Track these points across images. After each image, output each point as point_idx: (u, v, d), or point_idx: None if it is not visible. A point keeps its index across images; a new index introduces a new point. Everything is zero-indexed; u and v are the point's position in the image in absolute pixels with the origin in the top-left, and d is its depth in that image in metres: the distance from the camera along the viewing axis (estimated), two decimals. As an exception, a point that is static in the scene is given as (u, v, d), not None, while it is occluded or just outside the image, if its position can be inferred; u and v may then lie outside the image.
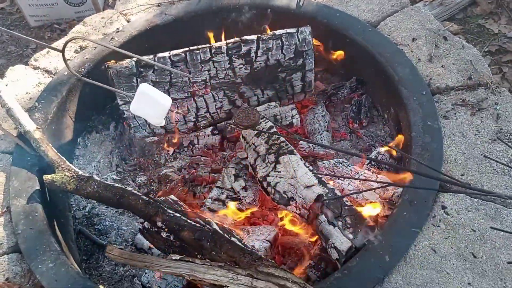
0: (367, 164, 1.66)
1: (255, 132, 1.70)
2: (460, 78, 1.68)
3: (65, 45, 1.37)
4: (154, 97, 1.32)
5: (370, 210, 1.40)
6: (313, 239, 1.50)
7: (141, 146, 1.92)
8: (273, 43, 1.82)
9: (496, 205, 1.33)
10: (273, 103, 1.91)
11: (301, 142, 1.79)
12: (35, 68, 1.98)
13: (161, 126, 1.88)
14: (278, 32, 1.83)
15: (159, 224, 1.30)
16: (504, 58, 2.35)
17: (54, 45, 2.07)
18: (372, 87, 1.94)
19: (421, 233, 1.30)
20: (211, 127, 1.92)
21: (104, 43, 1.32)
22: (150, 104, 1.33)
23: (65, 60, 1.39)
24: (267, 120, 1.75)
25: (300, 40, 1.83)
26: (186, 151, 1.89)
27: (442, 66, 1.73)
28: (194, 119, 1.91)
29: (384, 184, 1.47)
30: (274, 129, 1.71)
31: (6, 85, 1.88)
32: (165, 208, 1.32)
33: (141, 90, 1.32)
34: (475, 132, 1.52)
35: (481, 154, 1.45)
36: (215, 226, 1.29)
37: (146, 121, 1.86)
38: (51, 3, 2.81)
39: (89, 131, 1.97)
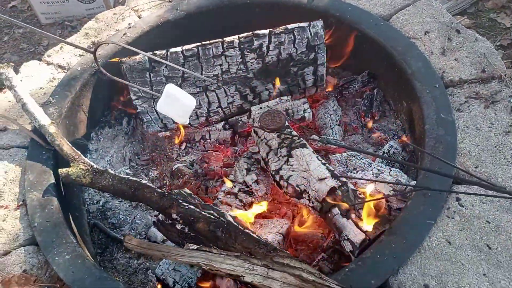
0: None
1: (267, 126, 1.70)
2: (474, 71, 1.67)
3: (96, 47, 1.39)
4: (180, 98, 1.37)
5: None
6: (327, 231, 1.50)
7: (154, 141, 1.93)
8: (285, 37, 1.82)
9: (511, 197, 1.33)
10: (284, 97, 1.91)
11: (313, 136, 1.79)
12: (48, 63, 2.00)
13: (173, 121, 1.90)
14: (290, 26, 1.84)
15: (174, 216, 1.31)
16: (517, 52, 2.33)
17: (68, 39, 2.09)
18: (384, 81, 1.94)
19: (436, 224, 1.30)
20: (223, 122, 1.93)
21: (133, 48, 1.35)
22: (176, 104, 1.37)
23: (96, 61, 1.42)
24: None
25: (312, 34, 1.83)
26: (198, 146, 1.90)
27: (455, 59, 1.72)
28: (206, 114, 1.91)
29: (398, 192, 1.46)
30: (286, 123, 1.71)
31: (21, 80, 1.90)
32: (180, 201, 1.33)
33: (167, 91, 1.37)
34: (489, 125, 1.51)
35: (495, 146, 1.44)
36: (229, 218, 1.30)
37: (158, 115, 1.87)
38: (62, 0, 2.83)
39: (102, 126, 1.99)
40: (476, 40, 1.77)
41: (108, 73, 1.50)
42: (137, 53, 1.82)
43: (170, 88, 1.37)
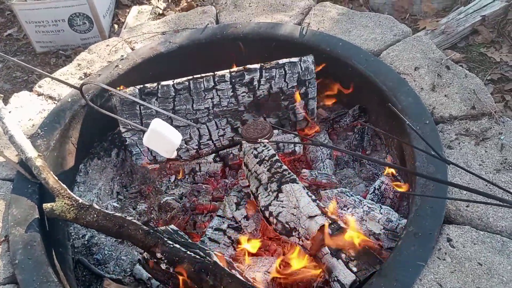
0: (371, 193, 1.64)
1: (257, 159, 1.69)
2: (464, 108, 1.68)
3: (81, 85, 1.42)
4: (165, 134, 1.36)
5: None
6: (317, 271, 1.46)
7: (143, 173, 1.91)
8: (276, 72, 1.83)
9: (502, 238, 1.30)
10: (276, 131, 1.90)
11: (304, 170, 1.78)
12: (39, 94, 1.99)
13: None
14: (281, 61, 1.85)
15: (159, 255, 1.28)
16: (507, 86, 2.35)
17: (59, 72, 2.10)
18: (375, 115, 1.94)
19: (427, 266, 1.26)
20: (213, 154, 1.91)
21: (118, 91, 1.37)
22: (161, 140, 1.37)
23: (84, 96, 1.43)
24: (269, 147, 1.74)
25: (303, 69, 1.84)
26: (187, 179, 1.88)
27: (445, 95, 1.72)
28: (197, 147, 1.90)
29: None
30: (277, 157, 1.70)
31: (10, 111, 1.89)
32: (165, 239, 1.30)
33: (153, 127, 1.37)
34: (479, 162, 1.50)
35: (486, 185, 1.43)
36: (215, 258, 1.27)
37: (148, 148, 1.86)
38: (57, 30, 2.86)
39: (91, 157, 1.96)
40: (466, 76, 1.78)
41: (96, 106, 1.50)
42: (129, 84, 1.85)
43: (156, 124, 1.36)
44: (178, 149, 1.87)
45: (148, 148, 1.85)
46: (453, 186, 1.38)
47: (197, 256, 1.25)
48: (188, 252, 1.26)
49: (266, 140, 1.50)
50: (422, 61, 1.86)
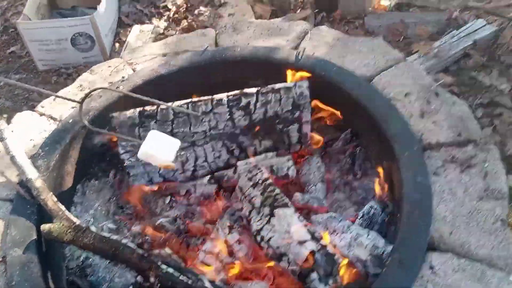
0: (360, 218, 1.69)
1: (251, 183, 1.74)
2: (451, 134, 1.73)
3: (84, 98, 1.45)
4: (163, 137, 1.42)
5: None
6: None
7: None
8: (271, 96, 1.88)
9: (482, 266, 1.35)
10: (270, 154, 1.96)
11: (296, 194, 1.82)
12: (41, 114, 2.05)
13: (159, 175, 1.93)
14: (276, 86, 1.90)
15: (152, 279, 1.32)
16: (496, 111, 2.40)
17: (61, 92, 2.15)
18: (366, 140, 1.99)
19: (410, 293, 1.31)
20: (208, 176, 1.96)
21: (125, 91, 1.40)
22: (159, 144, 1.42)
23: (81, 112, 1.47)
24: (263, 171, 1.79)
25: (298, 93, 1.89)
26: (182, 200, 1.92)
27: (433, 122, 1.78)
28: (193, 168, 1.95)
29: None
30: (270, 181, 1.75)
31: (12, 131, 1.94)
32: (159, 263, 1.35)
33: (151, 135, 1.43)
34: (463, 190, 1.55)
35: (469, 213, 1.48)
36: (207, 284, 1.31)
37: (144, 169, 1.91)
38: (60, 48, 2.93)
39: (89, 178, 2.01)
40: (454, 103, 1.84)
41: (90, 125, 1.55)
42: (127, 108, 1.91)
43: (153, 132, 1.44)
44: (175, 170, 1.92)
45: (144, 170, 1.90)
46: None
47: (190, 281, 1.30)
48: (181, 277, 1.31)
49: None
50: (413, 87, 1.91)
